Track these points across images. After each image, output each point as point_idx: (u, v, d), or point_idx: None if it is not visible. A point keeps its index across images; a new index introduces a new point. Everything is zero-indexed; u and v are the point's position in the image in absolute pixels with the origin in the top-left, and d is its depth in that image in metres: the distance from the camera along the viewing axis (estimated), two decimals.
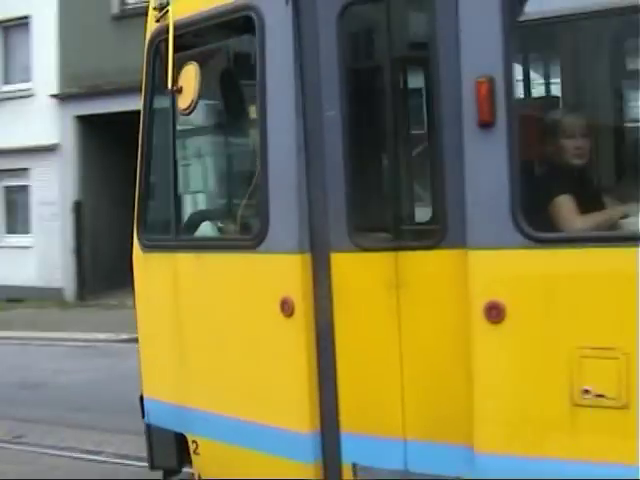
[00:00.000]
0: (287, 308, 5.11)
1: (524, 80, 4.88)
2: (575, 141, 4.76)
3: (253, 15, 5.22)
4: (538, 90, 5.33)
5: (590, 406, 4.27)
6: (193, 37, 5.83)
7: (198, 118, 6.20)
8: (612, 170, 5.47)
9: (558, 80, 5.32)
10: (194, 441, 6.06)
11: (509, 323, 4.43)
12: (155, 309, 6.44)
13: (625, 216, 4.52)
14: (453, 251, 4.59)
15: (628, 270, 4.14)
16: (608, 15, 4.62)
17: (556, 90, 5.37)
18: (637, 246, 4.15)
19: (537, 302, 4.41)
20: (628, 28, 5.25)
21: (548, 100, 5.39)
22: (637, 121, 5.74)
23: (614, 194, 5.07)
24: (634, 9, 4.19)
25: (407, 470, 4.91)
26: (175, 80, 5.54)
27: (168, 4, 5.70)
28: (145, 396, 6.60)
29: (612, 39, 5.69)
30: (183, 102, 5.63)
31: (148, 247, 6.33)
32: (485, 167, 4.44)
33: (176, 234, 6.05)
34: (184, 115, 5.74)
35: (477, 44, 4.45)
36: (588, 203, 4.66)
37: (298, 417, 5.18)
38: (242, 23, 5.33)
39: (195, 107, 5.58)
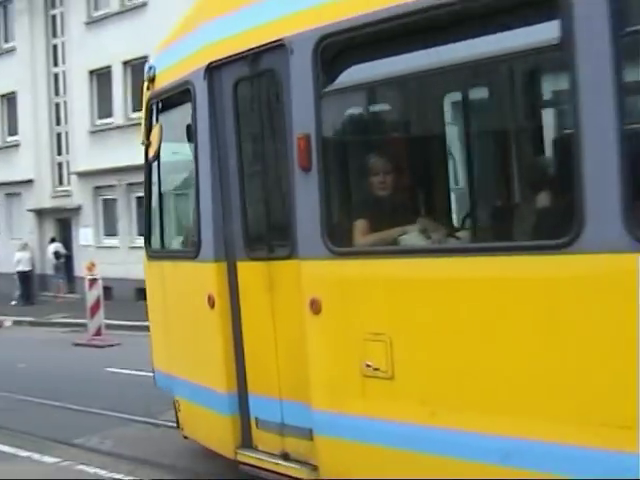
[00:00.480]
0: (211, 302, 7.05)
1: (335, 135, 6.35)
2: (379, 177, 6.21)
3: (190, 87, 7.20)
4: (349, 141, 6.77)
5: (371, 377, 5.76)
6: (165, 101, 7.88)
7: (175, 164, 8.19)
8: (413, 196, 6.80)
9: (365, 133, 6.82)
10: (176, 401, 8.21)
11: (324, 314, 6.05)
12: (156, 302, 8.64)
13: (403, 233, 5.97)
14: (296, 261, 6.28)
15: (399, 275, 5.64)
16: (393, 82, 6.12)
17: (364, 141, 6.80)
18: (407, 257, 5.73)
19: (338, 299, 6.01)
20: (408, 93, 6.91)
21: (357, 149, 6.82)
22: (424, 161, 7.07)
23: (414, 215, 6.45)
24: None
25: (283, 422, 6.68)
26: (147, 136, 7.71)
27: (154, 78, 7.82)
28: (155, 368, 8.86)
29: (400, 104, 7.17)
30: (151, 152, 7.79)
31: (150, 257, 8.59)
32: (306, 200, 6.07)
33: (162, 248, 8.25)
34: (151, 162, 7.88)
35: (298, 109, 6.11)
36: (387, 224, 6.14)
37: (221, 381, 7.08)
38: (186, 93, 7.29)
39: (158, 156, 7.68)
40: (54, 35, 33.78)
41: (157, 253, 8.51)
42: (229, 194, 6.94)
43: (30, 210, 34.07)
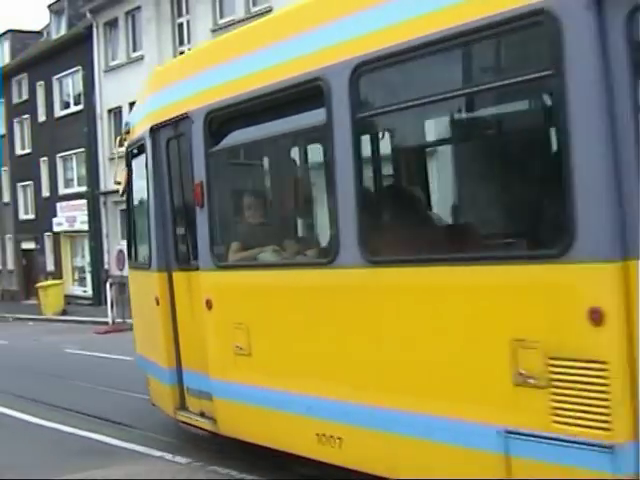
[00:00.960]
0: (157, 301, 9.84)
1: (218, 181, 8.89)
2: (249, 212, 8.88)
3: (143, 142, 10.03)
4: (228, 186, 9.36)
5: (239, 354, 8.25)
6: (135, 150, 10.54)
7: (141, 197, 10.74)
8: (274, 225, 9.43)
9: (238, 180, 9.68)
10: (147, 377, 11.02)
11: (214, 310, 8.64)
12: (134, 301, 11.82)
13: (260, 252, 8.43)
14: (199, 272, 8.80)
15: (253, 282, 8.27)
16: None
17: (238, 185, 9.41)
18: (259, 269, 8.38)
19: (220, 299, 8.62)
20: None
21: (233, 192, 9.41)
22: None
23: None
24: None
25: (200, 390, 9.22)
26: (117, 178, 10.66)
27: (129, 131, 10.66)
28: (136, 352, 11.72)
29: (263, 159, 9.87)
30: (120, 190, 10.55)
31: (130, 267, 11.83)
32: (202, 228, 8.71)
33: (135, 260, 11.25)
34: (122, 195, 10.65)
35: (196, 163, 8.70)
36: (252, 246, 8.60)
37: (164, 359, 9.76)
38: (142, 147, 10.08)
39: (129, 191, 10.62)
40: (181, 43, 34.88)
41: (132, 264, 11.57)
42: (166, 223, 9.70)
43: None
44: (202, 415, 9.14)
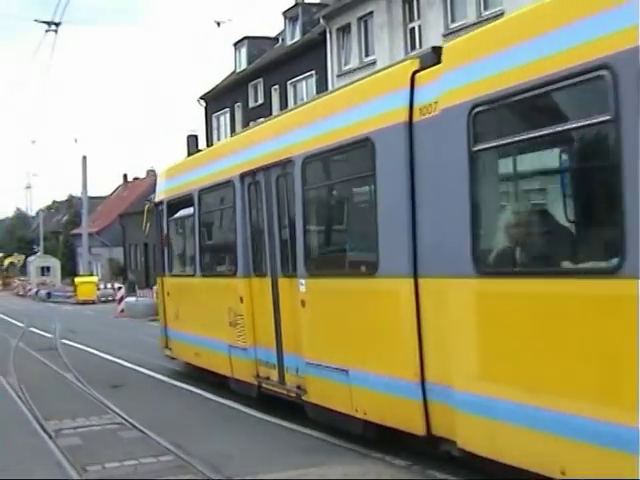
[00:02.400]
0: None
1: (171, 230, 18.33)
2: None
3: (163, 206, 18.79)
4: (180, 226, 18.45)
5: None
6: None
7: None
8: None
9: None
10: (169, 339, 18.52)
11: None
12: (166, 296, 18.86)
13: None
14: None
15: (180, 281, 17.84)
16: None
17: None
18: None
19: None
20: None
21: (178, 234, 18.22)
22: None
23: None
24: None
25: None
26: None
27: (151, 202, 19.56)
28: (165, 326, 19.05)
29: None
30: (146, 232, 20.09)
31: (172, 276, 18.49)
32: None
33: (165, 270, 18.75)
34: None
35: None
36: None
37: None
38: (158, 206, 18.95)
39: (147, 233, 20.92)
40: (412, 47, 34.84)
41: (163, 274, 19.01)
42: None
43: None
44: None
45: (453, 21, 33.26)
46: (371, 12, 37.87)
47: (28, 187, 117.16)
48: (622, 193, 6.18)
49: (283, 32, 48.94)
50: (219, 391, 14.87)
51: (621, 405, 6.28)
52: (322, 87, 39.81)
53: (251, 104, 50.13)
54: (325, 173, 11.84)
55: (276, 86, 46.70)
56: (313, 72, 42.66)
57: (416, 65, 9.26)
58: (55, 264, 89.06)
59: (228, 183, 14.10)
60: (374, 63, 36.36)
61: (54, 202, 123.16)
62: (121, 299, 42.67)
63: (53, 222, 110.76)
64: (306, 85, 44.03)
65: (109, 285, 60.06)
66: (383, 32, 36.88)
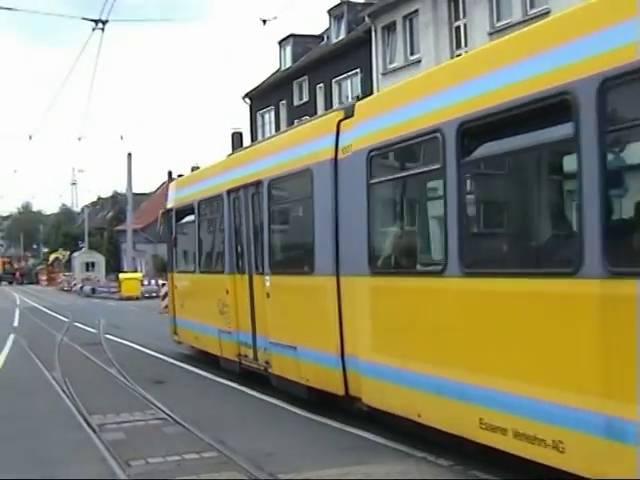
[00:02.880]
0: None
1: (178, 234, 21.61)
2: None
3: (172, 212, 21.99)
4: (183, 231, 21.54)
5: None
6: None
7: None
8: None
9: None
10: (177, 326, 21.76)
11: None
12: (175, 289, 22.23)
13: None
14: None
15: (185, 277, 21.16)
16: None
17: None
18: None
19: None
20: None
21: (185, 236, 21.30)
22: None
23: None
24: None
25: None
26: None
27: (165, 207, 22.45)
28: (174, 315, 22.16)
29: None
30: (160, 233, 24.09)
31: (179, 272, 21.71)
32: None
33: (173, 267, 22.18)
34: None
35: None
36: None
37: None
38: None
39: (161, 235, 24.52)
40: (457, 46, 35.16)
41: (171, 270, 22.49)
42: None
43: None
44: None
45: (499, 20, 33.27)
46: (416, 10, 37.84)
47: (74, 183, 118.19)
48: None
49: (328, 30, 48.95)
50: (261, 388, 14.91)
51: (452, 364, 9.24)
52: (367, 85, 39.79)
53: (296, 102, 50.22)
54: (283, 193, 15.06)
55: (321, 84, 46.75)
56: (358, 70, 42.68)
57: (341, 115, 12.29)
58: (100, 260, 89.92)
59: (219, 197, 17.40)
60: (419, 62, 36.54)
61: (99, 198, 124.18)
62: (165, 295, 42.79)
63: (98, 218, 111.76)
64: (351, 83, 44.06)
65: (153, 281, 60.45)
66: (428, 30, 36.88)
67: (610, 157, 7.22)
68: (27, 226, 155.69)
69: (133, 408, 13.56)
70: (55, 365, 19.45)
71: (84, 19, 22.71)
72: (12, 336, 28.64)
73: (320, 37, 52.66)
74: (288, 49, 52.67)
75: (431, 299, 9.79)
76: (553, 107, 7.62)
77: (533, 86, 7.77)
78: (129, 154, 58.63)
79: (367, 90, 38.29)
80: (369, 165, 10.98)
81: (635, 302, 6.61)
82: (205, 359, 19.02)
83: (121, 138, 53.56)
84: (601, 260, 6.95)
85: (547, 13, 28.00)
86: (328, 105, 44.66)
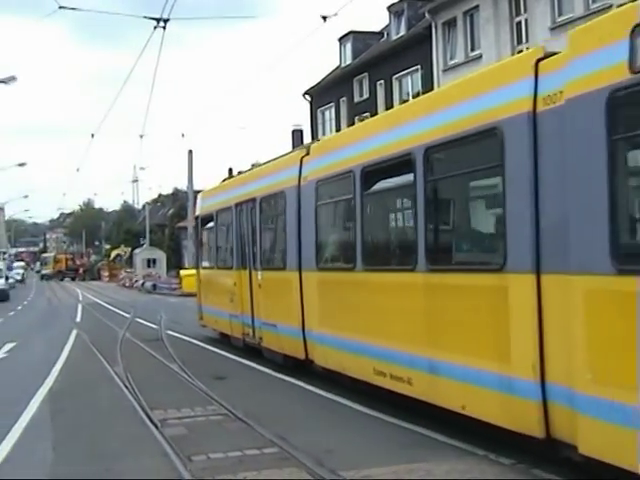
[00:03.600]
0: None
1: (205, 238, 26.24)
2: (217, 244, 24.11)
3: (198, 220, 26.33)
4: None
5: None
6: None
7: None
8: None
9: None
10: (205, 314, 25.45)
11: None
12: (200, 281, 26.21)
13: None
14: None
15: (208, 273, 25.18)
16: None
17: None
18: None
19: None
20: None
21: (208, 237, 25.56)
22: None
23: None
24: None
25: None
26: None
27: (199, 214, 26.11)
28: (199, 304, 26.01)
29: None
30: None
31: (203, 268, 25.87)
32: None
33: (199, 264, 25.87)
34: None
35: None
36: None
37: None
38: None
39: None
40: (519, 42, 34.60)
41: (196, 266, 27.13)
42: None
43: None
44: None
45: (560, 14, 32.64)
46: (477, 6, 37.51)
47: (135, 181, 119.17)
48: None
49: (388, 27, 48.76)
50: (321, 384, 14.96)
51: (359, 331, 13.31)
52: (427, 82, 39.58)
53: (356, 99, 50.10)
54: (268, 208, 18.74)
55: (381, 81, 46.60)
56: (418, 67, 42.50)
57: (303, 153, 16.43)
58: (161, 256, 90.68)
59: (229, 208, 21.45)
60: (480, 57, 36.14)
61: (160, 195, 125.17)
62: None
63: (159, 215, 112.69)
64: (411, 80, 43.85)
65: None
66: (489, 26, 36.44)
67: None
68: (89, 223, 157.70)
69: (194, 403, 13.66)
70: (117, 360, 19.70)
71: (145, 18, 22.73)
72: (75, 331, 29.07)
73: (380, 34, 52.48)
74: (348, 46, 52.56)
75: (346, 287, 14.04)
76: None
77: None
78: (190, 151, 58.82)
79: (428, 86, 38.22)
80: (316, 191, 15.03)
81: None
82: (222, 340, 23.22)
83: (182, 135, 54.01)
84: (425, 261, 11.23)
85: (609, 7, 27.21)
86: (389, 102, 44.53)
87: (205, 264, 25.78)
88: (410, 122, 11.85)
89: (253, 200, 19.26)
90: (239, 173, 24.84)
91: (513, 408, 9.20)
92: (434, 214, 11.18)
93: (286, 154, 19.07)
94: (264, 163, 21.85)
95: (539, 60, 9.01)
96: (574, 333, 8.02)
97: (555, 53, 8.88)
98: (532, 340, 8.72)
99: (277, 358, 17.76)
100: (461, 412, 10.16)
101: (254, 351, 19.42)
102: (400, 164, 11.84)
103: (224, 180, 25.18)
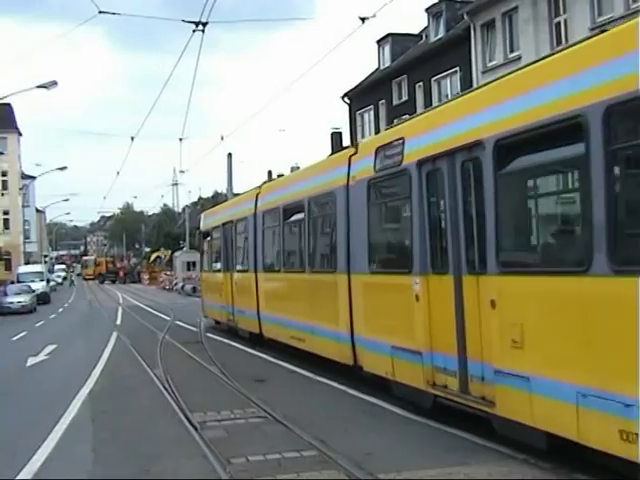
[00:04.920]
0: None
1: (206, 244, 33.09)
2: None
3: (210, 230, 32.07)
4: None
5: (221, 295, 28.16)
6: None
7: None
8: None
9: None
10: (207, 308, 32.61)
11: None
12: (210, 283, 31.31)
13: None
14: None
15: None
16: None
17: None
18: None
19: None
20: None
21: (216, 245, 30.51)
22: None
23: None
24: None
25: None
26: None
27: (198, 227, 34.96)
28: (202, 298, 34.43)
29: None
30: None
31: (204, 271, 33.21)
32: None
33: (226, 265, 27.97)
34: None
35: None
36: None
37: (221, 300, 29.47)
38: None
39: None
40: (558, 42, 33.75)
41: (207, 270, 32.98)
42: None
43: None
44: None
45: (600, 15, 32.19)
46: (516, 7, 37.15)
47: (175, 184, 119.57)
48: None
49: (427, 29, 48.60)
50: (361, 388, 14.88)
51: (288, 312, 19.81)
52: (467, 84, 39.32)
53: (395, 101, 49.92)
54: (273, 219, 21.33)
55: (420, 83, 46.42)
56: (457, 68, 42.26)
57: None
58: None
59: (246, 219, 24.30)
60: (519, 59, 35.44)
61: (200, 198, 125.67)
62: None
63: (199, 218, 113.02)
64: (450, 82, 43.61)
65: None
66: (528, 27, 36.03)
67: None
68: (129, 226, 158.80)
69: (234, 406, 13.67)
70: (157, 362, 19.80)
71: (184, 21, 22.82)
72: (115, 334, 29.29)
73: (419, 36, 52.29)
74: (387, 48, 52.41)
75: (295, 283, 19.42)
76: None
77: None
78: (229, 154, 58.89)
79: (467, 88, 37.95)
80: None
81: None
82: (220, 327, 28.11)
83: (221, 138, 54.06)
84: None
85: None
86: (428, 104, 44.26)
87: (205, 268, 33.01)
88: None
89: (248, 216, 23.86)
90: (279, 176, 26.39)
91: (340, 349, 15.92)
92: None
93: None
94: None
95: (351, 156, 15.52)
96: (359, 305, 14.91)
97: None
98: (346, 311, 15.48)
99: (252, 329, 23.80)
100: (322, 355, 17.27)
101: (296, 354, 19.11)
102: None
103: (264, 183, 25.41)
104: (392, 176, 13.27)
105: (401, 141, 12.86)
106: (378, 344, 13.67)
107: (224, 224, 27.44)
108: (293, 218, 19.59)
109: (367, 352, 14.45)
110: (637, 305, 7.42)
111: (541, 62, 9.79)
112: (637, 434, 7.54)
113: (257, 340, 23.00)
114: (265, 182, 25.49)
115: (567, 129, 8.70)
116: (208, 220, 32.22)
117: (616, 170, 8.29)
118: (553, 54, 9.99)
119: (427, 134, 12.12)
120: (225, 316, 27.35)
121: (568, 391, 8.49)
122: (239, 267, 25.33)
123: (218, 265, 29.19)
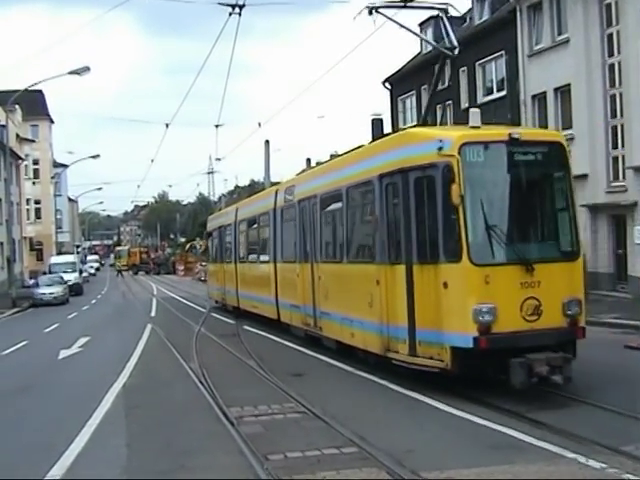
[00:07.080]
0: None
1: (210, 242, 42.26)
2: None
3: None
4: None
5: (222, 279, 36.68)
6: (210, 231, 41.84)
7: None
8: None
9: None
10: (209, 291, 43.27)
11: None
12: (221, 274, 36.72)
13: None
14: None
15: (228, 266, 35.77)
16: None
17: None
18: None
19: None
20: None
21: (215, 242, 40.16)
22: None
23: None
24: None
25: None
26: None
27: (206, 229, 45.08)
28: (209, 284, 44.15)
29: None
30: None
31: (210, 262, 42.81)
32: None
33: (220, 258, 37.34)
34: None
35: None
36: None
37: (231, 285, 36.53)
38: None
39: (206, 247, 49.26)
40: (609, 24, 32.52)
41: (213, 260, 41.24)
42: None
43: (583, 205, 29.88)
44: None
45: None
46: None
47: (211, 172, 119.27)
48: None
49: (471, 11, 47.60)
50: (402, 382, 14.47)
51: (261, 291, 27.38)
52: (512, 68, 38.51)
53: (438, 86, 48.92)
54: (250, 225, 29.97)
55: (464, 67, 45.39)
56: (503, 52, 41.16)
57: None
58: None
59: (230, 225, 33.30)
60: (567, 42, 34.40)
61: (236, 187, 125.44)
62: None
63: (205, 220, 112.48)
64: (495, 66, 42.41)
65: None
66: (576, 8, 34.16)
67: None
68: (164, 215, 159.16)
69: (271, 401, 13.41)
70: (192, 356, 19.61)
71: (221, 4, 22.24)
72: (149, 326, 29.14)
73: (462, 18, 50.90)
74: (429, 32, 51.46)
75: (265, 270, 26.12)
76: None
77: None
78: (266, 141, 58.02)
79: (513, 74, 37.25)
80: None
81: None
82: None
83: (259, 125, 53.58)
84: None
85: None
86: (472, 89, 43.64)
87: (211, 260, 41.15)
88: None
89: (247, 220, 30.66)
90: (317, 164, 29.15)
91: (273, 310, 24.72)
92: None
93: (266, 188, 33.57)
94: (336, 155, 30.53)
95: (277, 190, 24.87)
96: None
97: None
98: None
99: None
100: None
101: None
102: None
103: (302, 171, 33.55)
104: (291, 206, 22.60)
105: (293, 187, 22.81)
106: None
107: (239, 222, 32.35)
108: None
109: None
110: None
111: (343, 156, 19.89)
112: (352, 334, 16.91)
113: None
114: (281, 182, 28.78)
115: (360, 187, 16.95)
116: (214, 222, 39.81)
117: (384, 204, 15.16)
118: (354, 149, 19.06)
119: (300, 186, 22.09)
120: (220, 296, 36.86)
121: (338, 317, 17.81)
122: (244, 259, 31.75)
123: (221, 257, 36.84)
